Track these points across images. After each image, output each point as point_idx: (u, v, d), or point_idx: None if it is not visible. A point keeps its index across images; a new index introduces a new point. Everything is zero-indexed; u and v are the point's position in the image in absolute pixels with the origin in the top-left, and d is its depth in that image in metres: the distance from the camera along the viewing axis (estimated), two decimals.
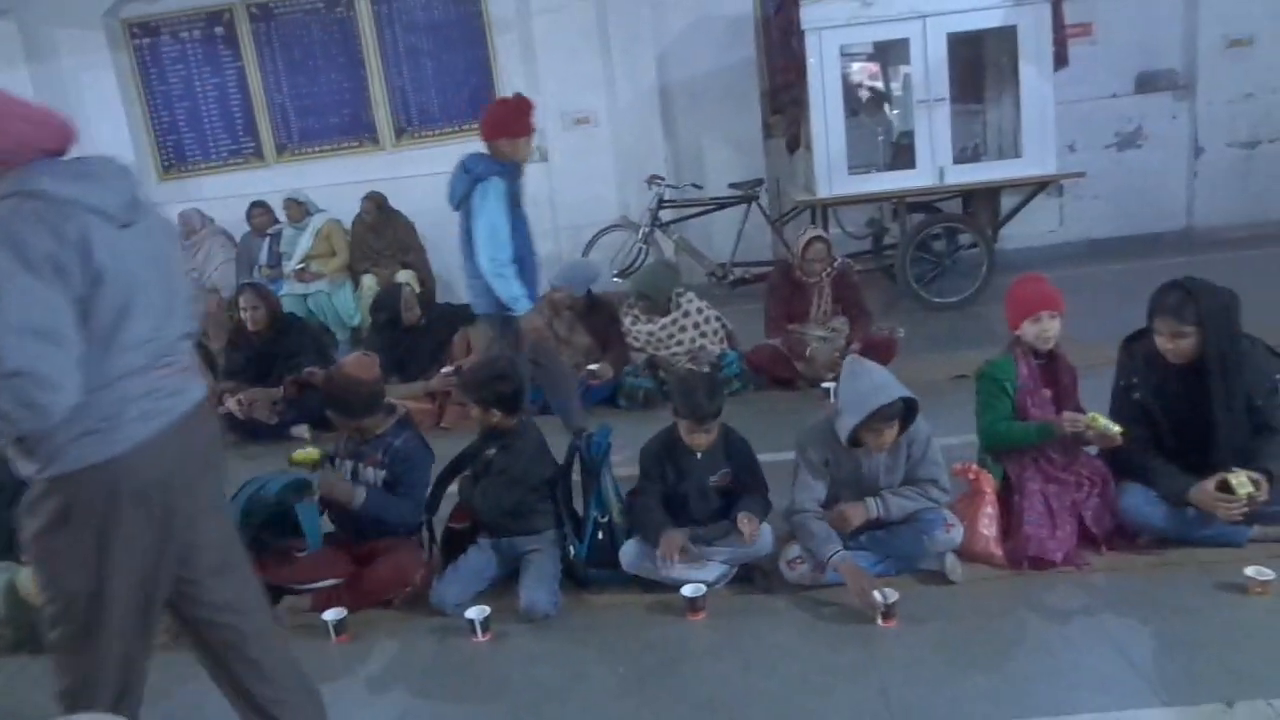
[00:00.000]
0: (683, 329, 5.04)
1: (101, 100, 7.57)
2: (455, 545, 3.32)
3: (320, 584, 3.19)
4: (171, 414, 1.90)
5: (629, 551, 3.08)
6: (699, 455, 3.14)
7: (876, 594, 2.75)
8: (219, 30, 7.57)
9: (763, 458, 3.24)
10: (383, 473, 3.29)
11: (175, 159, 7.85)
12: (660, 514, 3.08)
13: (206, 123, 7.75)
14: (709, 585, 2.97)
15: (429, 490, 3.39)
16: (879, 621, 2.75)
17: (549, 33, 7.23)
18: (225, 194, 7.59)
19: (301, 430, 4.90)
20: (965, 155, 6.67)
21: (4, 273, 1.64)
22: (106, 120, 7.58)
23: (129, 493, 1.82)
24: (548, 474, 3.28)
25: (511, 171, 3.84)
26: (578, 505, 3.29)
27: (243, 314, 5.25)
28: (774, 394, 4.92)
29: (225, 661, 2.09)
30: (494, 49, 7.47)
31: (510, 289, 3.75)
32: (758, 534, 3.00)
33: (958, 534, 2.98)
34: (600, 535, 3.16)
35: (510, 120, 3.85)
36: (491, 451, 3.24)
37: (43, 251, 1.66)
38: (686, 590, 2.89)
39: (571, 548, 3.14)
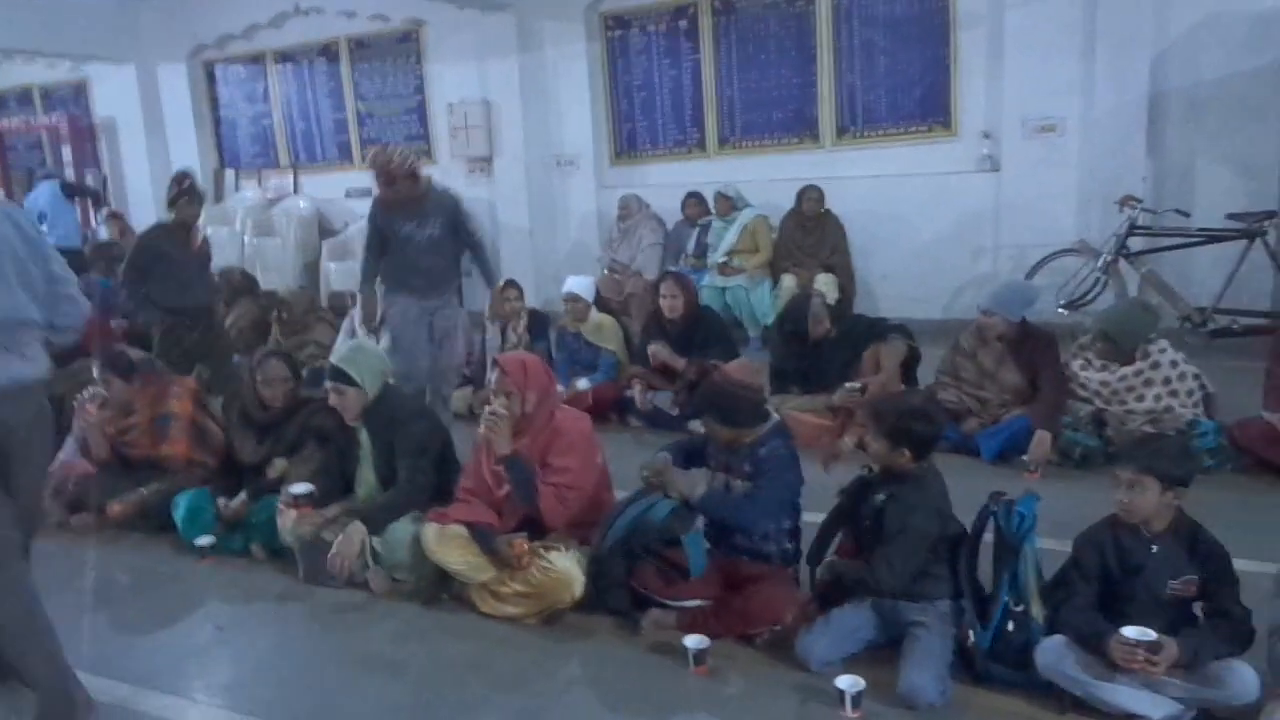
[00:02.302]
0: (1148, 383, 4.17)
1: (573, 89, 8.15)
2: (834, 593, 2.96)
3: (688, 603, 3.00)
4: None
5: (1051, 651, 2.48)
6: (1155, 549, 2.48)
7: None
8: (683, 24, 7.79)
9: (1236, 564, 2.48)
10: (748, 484, 3.03)
11: (626, 146, 8.25)
12: (1098, 617, 2.47)
13: (659, 113, 8.04)
14: None
15: (793, 515, 3.07)
16: None
17: (1023, 29, 6.47)
18: (665, 182, 7.83)
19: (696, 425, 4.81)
20: None
21: None
22: (575, 107, 8.16)
23: None
24: (950, 532, 2.79)
25: None
26: (981, 578, 2.77)
27: (661, 301, 5.30)
28: (1263, 481, 3.90)
29: None
30: (956, 46, 6.87)
31: None
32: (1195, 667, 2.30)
33: None
34: (1011, 626, 2.60)
35: None
36: (881, 497, 2.82)
37: None
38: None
39: (971, 631, 2.63)
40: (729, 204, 7.12)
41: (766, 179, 7.38)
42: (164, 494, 4.02)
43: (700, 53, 7.78)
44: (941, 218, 7.01)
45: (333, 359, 3.62)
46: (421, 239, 4.78)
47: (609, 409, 5.33)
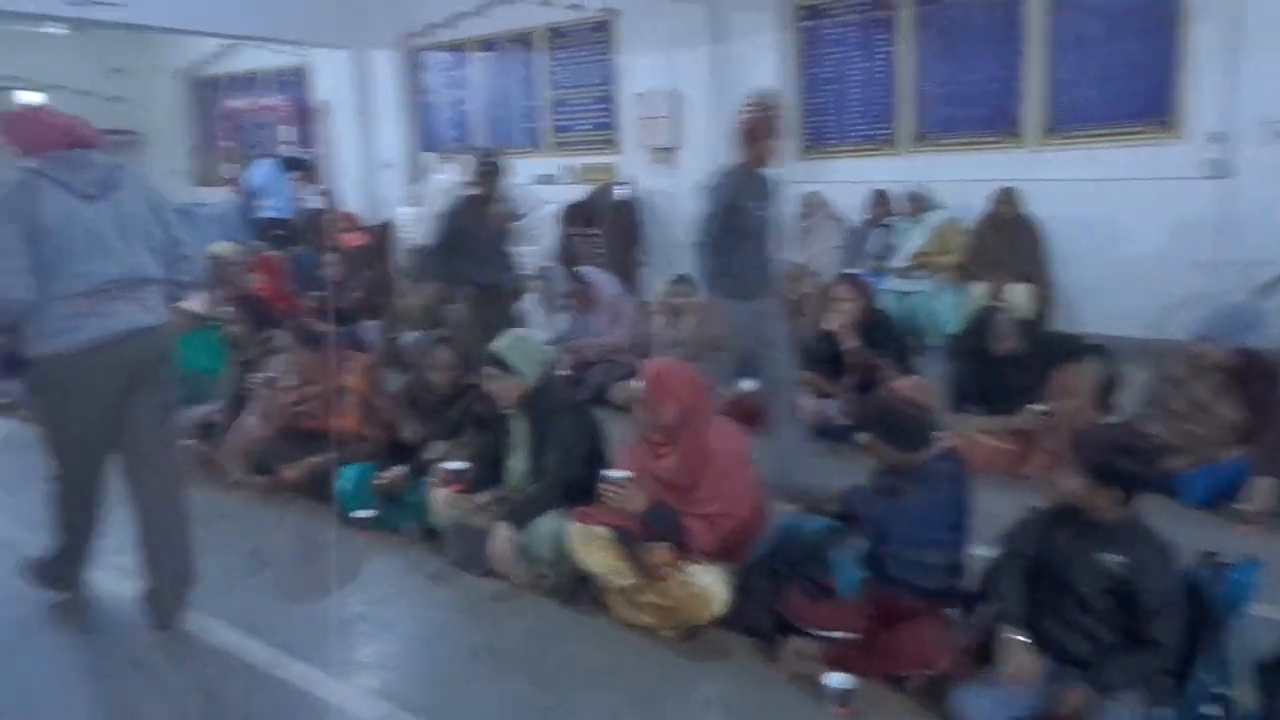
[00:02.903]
0: None
1: (761, 80, 7.93)
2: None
3: (834, 634, 2.80)
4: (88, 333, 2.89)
5: None
6: None
7: None
8: (879, 13, 7.43)
9: None
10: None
11: (814, 140, 7.97)
12: None
13: (849, 106, 7.71)
14: None
15: (957, 545, 2.80)
16: None
17: (1269, 20, 5.75)
18: (852, 179, 7.50)
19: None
20: None
21: None
22: None
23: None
24: None
25: None
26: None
27: (834, 304, 5.06)
28: None
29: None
30: (1187, 38, 6.19)
31: None
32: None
33: None
34: (1212, 713, 2.25)
35: None
36: (1117, 560, 2.42)
37: (6, 207, 2.81)
38: None
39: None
40: (919, 204, 6.74)
41: (960, 179, 6.93)
42: (332, 465, 4.17)
43: (896, 43, 7.39)
44: (1155, 227, 6.36)
45: (493, 345, 3.62)
46: (764, 223, 3.96)
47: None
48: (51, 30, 10.32)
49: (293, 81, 11.55)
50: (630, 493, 3.08)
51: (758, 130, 3.92)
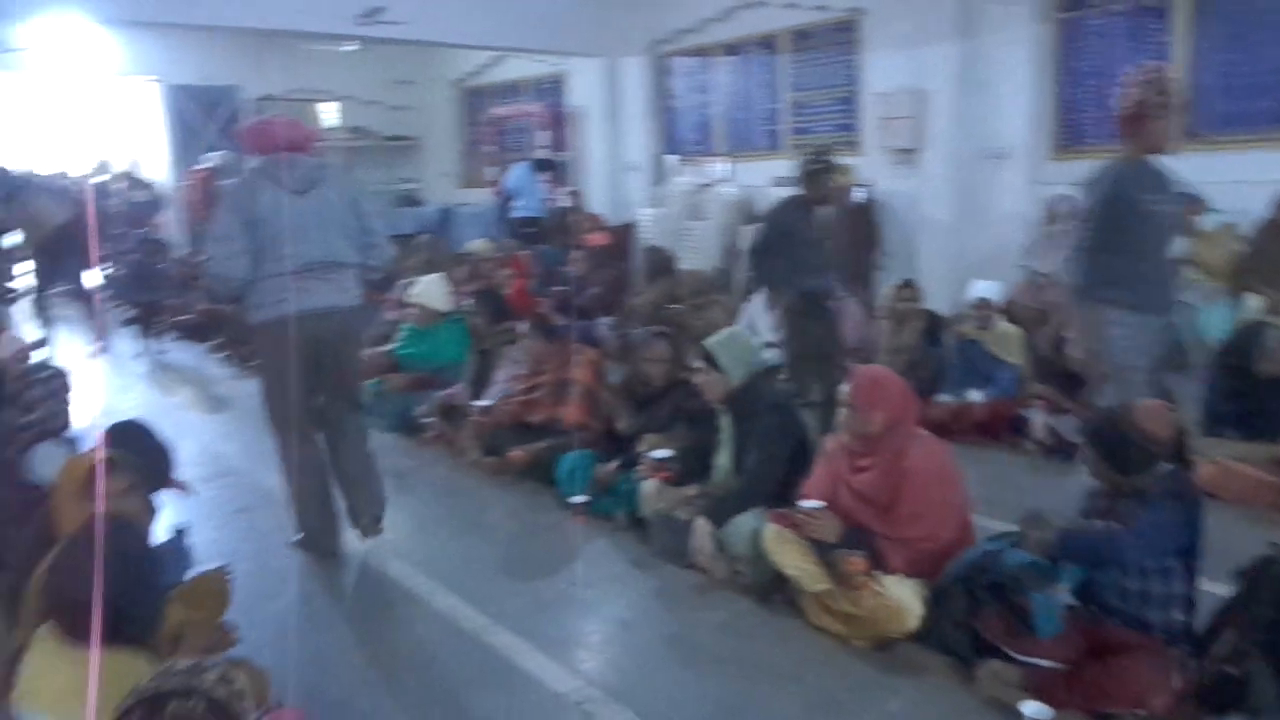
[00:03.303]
0: None
1: (1012, 76, 7.54)
2: (1232, 691, 2.43)
3: (1038, 661, 2.65)
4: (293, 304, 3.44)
5: None
6: None
7: None
8: (1151, 2, 6.82)
9: None
10: None
11: (1070, 139, 7.45)
12: None
13: (1112, 102, 7.13)
14: None
15: (1185, 575, 2.56)
16: None
17: None
18: None
19: None
20: None
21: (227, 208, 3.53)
22: (1013, 97, 7.54)
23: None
24: None
25: None
26: None
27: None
28: None
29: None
30: None
31: None
32: None
33: None
34: None
35: None
36: None
37: (237, 201, 3.50)
38: None
39: None
40: (1192, 208, 6.11)
41: (1242, 180, 6.23)
42: (554, 451, 4.43)
43: (1171, 33, 6.76)
44: None
45: (706, 341, 3.72)
46: (1161, 221, 3.44)
47: (1002, 427, 4.89)
48: (344, 47, 11.52)
49: (550, 89, 12.24)
50: (824, 523, 3.06)
51: (1148, 110, 3.33)
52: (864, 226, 8.29)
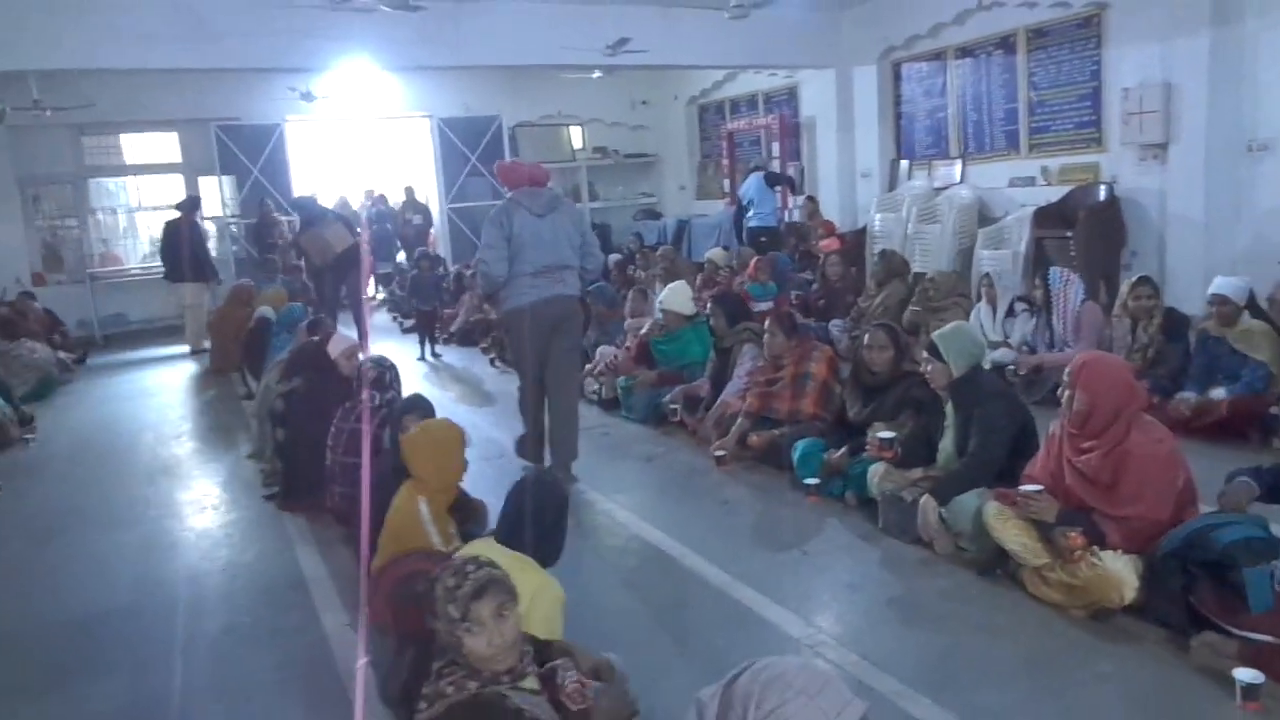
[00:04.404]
0: None
1: (1272, 63, 7.15)
2: None
3: (1253, 635, 2.77)
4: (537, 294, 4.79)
5: None
6: None
7: None
8: None
9: None
10: None
11: None
12: None
13: None
14: None
15: None
16: None
17: None
18: None
19: None
20: None
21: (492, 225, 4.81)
22: (1271, 85, 7.15)
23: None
24: None
25: None
26: None
27: None
28: None
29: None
30: None
31: None
32: None
33: None
34: None
35: None
36: None
37: (500, 220, 4.77)
38: None
39: None
40: None
41: None
42: (790, 438, 4.83)
43: None
44: None
45: (933, 334, 4.02)
46: None
47: (1247, 425, 4.80)
48: (591, 75, 12.47)
49: (782, 101, 12.64)
50: (1043, 503, 3.28)
51: None
52: (1106, 225, 8.10)
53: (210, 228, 12.21)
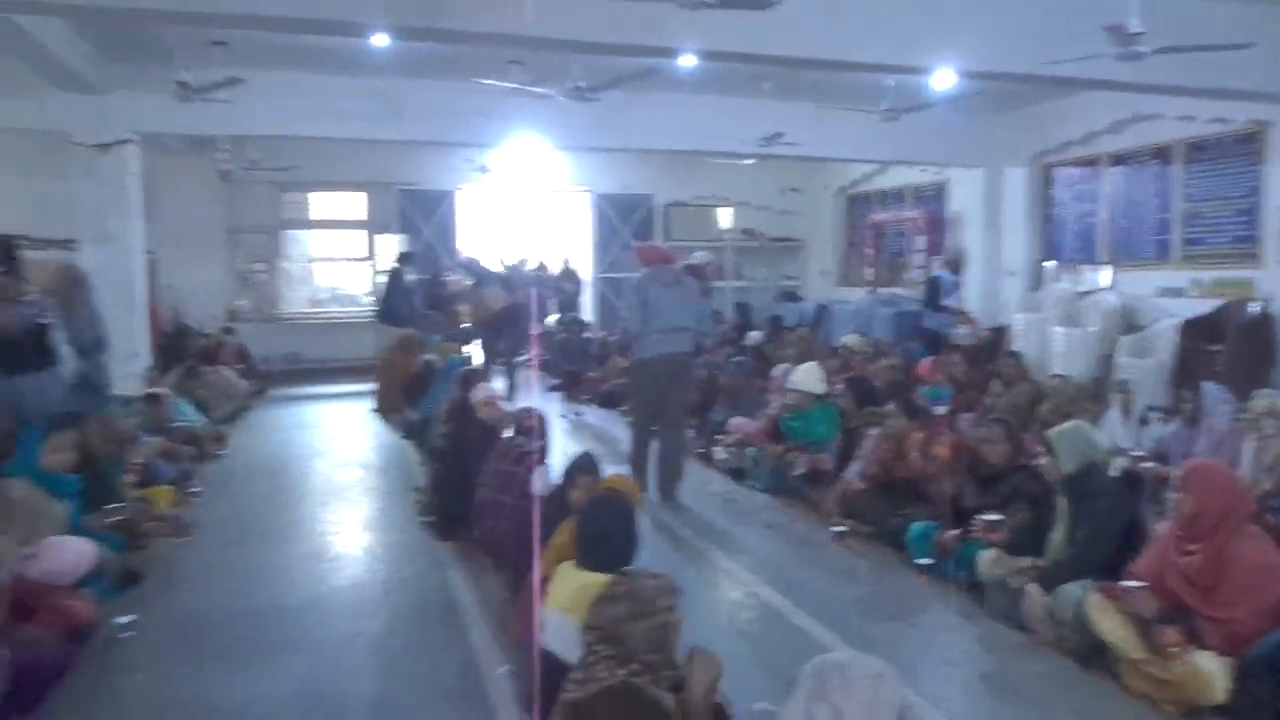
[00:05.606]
0: None
1: None
2: None
3: None
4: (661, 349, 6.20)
5: None
6: None
7: None
8: None
9: None
10: None
11: None
12: None
13: None
14: None
15: None
16: None
17: None
18: None
19: None
20: None
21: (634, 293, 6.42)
22: None
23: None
24: None
25: None
26: None
27: None
28: None
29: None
30: None
31: None
32: None
33: None
34: None
35: None
36: None
37: (640, 290, 6.29)
38: None
39: None
40: None
41: None
42: (909, 518, 5.07)
43: None
44: None
45: (1049, 431, 4.24)
46: None
47: None
48: (743, 161, 13.06)
49: (930, 196, 12.89)
50: (1144, 599, 3.44)
51: None
52: (1257, 341, 7.98)
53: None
